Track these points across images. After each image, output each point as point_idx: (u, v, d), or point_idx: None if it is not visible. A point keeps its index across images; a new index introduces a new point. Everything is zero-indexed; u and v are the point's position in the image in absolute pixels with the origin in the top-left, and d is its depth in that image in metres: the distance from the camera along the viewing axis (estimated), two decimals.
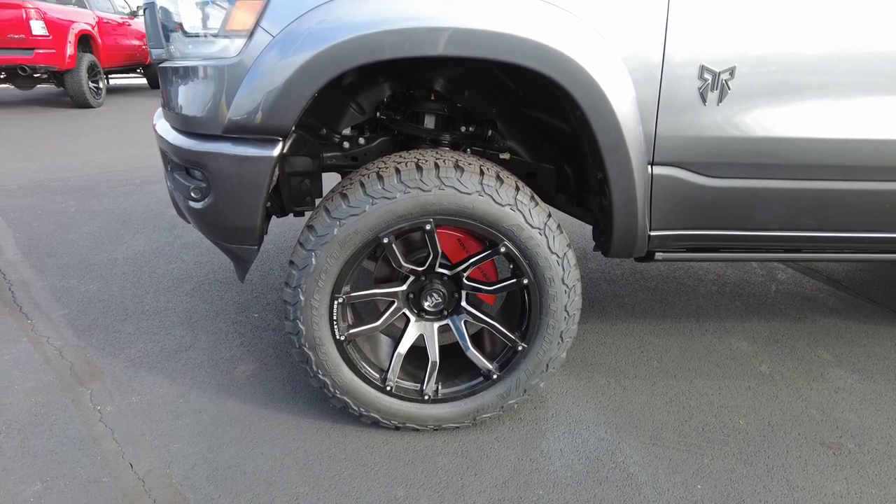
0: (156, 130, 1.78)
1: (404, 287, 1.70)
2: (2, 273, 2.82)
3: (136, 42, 10.50)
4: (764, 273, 3.04)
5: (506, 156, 2.09)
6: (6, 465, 1.62)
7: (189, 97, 1.57)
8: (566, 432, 1.81)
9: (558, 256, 1.59)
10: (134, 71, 11.34)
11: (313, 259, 1.54)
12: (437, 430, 1.79)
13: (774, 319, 2.55)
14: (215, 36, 1.49)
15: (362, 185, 1.52)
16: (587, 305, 2.63)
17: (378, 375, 1.73)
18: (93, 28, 8.72)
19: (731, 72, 1.51)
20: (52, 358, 2.13)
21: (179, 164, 1.63)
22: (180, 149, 1.59)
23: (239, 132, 1.50)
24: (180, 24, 1.54)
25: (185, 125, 1.59)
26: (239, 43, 1.46)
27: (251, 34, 1.45)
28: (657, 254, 1.80)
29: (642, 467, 1.68)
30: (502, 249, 1.58)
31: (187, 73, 1.56)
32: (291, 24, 1.42)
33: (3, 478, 1.58)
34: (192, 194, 1.62)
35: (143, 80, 12.18)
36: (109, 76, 10.18)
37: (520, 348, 1.69)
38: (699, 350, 2.30)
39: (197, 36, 1.52)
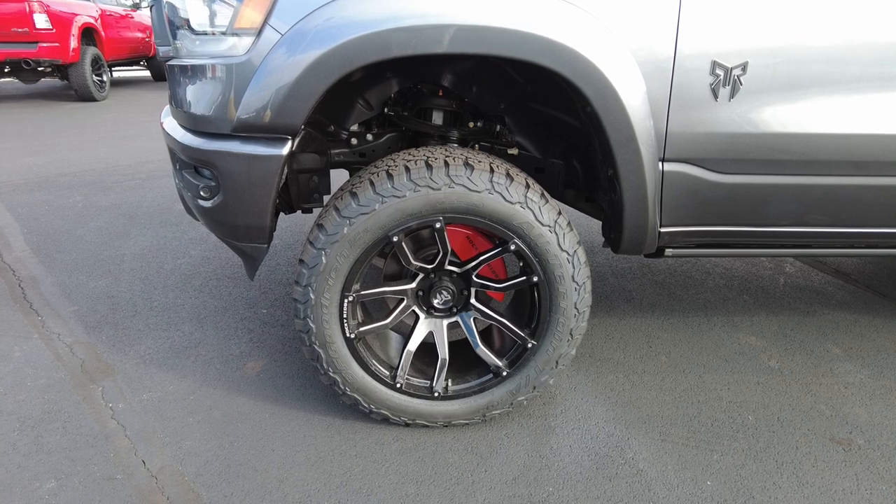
0: (163, 128, 1.78)
1: (414, 284, 1.70)
2: (11, 269, 2.83)
3: (140, 34, 10.48)
4: (772, 266, 3.03)
5: (514, 151, 2.08)
6: (21, 462, 1.64)
7: (197, 96, 1.57)
8: (575, 428, 1.82)
9: (568, 254, 1.59)
10: (137, 63, 11.33)
11: (323, 257, 1.55)
12: (447, 426, 1.79)
13: (783, 313, 2.55)
14: (223, 34, 1.48)
15: (372, 183, 1.52)
16: (595, 300, 2.63)
17: (388, 372, 1.73)
18: (96, 21, 8.70)
19: (744, 67, 1.50)
20: (63, 355, 2.15)
21: (188, 162, 1.63)
22: (189, 147, 1.59)
23: (248, 131, 1.49)
24: (187, 21, 1.53)
25: (194, 124, 1.59)
26: (247, 41, 1.45)
27: (259, 32, 1.44)
28: (667, 250, 1.79)
29: (652, 463, 1.68)
30: (512, 247, 1.58)
31: (195, 72, 1.55)
32: (300, 23, 1.41)
33: (19, 475, 1.60)
34: (202, 193, 1.62)
35: (147, 73, 12.16)
36: (113, 69, 10.17)
37: (529, 345, 1.69)
38: (708, 345, 2.30)
39: (205, 34, 1.52)
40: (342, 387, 1.70)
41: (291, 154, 1.56)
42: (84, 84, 8.14)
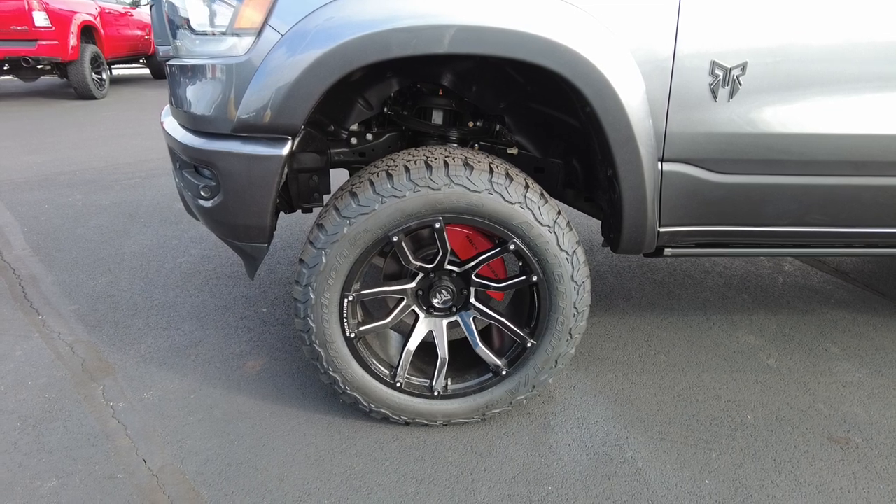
0: (164, 128, 1.78)
1: (413, 284, 1.71)
2: (12, 268, 2.84)
3: (139, 32, 10.47)
4: (771, 265, 3.04)
5: (514, 151, 2.09)
6: (22, 461, 1.65)
7: (197, 96, 1.57)
8: (574, 427, 1.82)
9: (567, 254, 1.59)
10: (137, 61, 11.31)
11: (323, 257, 1.55)
12: (446, 425, 1.80)
13: (782, 312, 2.55)
14: (223, 34, 1.49)
15: (372, 183, 1.52)
16: (594, 299, 2.63)
17: (388, 372, 1.74)
18: (95, 19, 8.68)
19: (743, 68, 1.50)
20: (64, 354, 2.15)
21: (188, 162, 1.63)
22: (189, 147, 1.59)
23: (248, 131, 1.49)
24: (187, 21, 1.54)
25: (194, 124, 1.59)
26: (247, 41, 1.46)
27: (259, 32, 1.44)
28: (666, 249, 1.80)
29: (651, 462, 1.69)
30: (511, 247, 1.58)
31: (195, 72, 1.55)
32: (300, 23, 1.41)
33: (20, 474, 1.60)
34: (202, 193, 1.62)
35: (146, 71, 12.15)
36: (112, 67, 10.16)
37: (529, 345, 1.70)
38: (707, 344, 2.30)
39: (205, 34, 1.52)
40: (342, 386, 1.71)
41: (291, 154, 1.56)
42: (83, 82, 8.13)
